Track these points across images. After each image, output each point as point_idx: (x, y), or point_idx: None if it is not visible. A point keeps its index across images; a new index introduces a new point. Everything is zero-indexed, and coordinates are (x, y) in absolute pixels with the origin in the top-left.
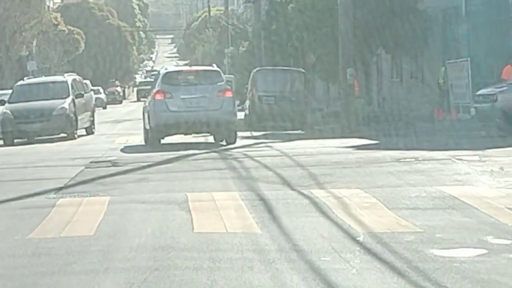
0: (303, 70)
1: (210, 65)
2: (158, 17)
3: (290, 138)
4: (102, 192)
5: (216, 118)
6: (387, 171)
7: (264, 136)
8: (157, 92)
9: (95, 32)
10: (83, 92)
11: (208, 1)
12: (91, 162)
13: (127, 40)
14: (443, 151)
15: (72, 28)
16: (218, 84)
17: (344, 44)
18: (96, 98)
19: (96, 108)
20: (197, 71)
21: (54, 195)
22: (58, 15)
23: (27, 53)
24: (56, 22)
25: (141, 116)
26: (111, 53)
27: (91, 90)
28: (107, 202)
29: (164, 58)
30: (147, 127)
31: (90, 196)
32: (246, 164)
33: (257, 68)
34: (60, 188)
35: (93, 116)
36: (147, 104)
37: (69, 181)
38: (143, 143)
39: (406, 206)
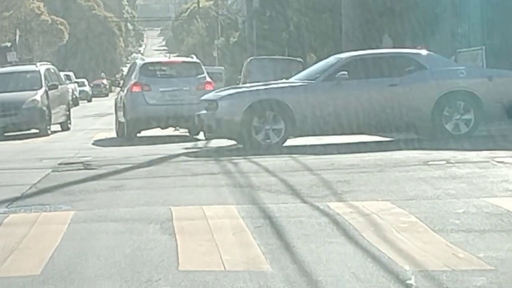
0: (300, 59)
1: (190, 56)
2: (147, 10)
3: None
4: (65, 205)
5: (196, 112)
6: (417, 177)
7: None
8: (135, 84)
9: (80, 22)
10: (57, 83)
11: None
12: (60, 164)
13: (113, 31)
14: (476, 151)
15: (55, 18)
16: (199, 76)
17: (347, 31)
18: (81, 91)
19: (81, 101)
20: (176, 62)
21: (6, 209)
22: (41, 4)
23: (9, 44)
24: (38, 12)
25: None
26: (97, 44)
27: (75, 82)
28: (69, 220)
29: (153, 51)
30: (122, 120)
31: (50, 210)
32: (244, 167)
33: (251, 57)
34: (16, 199)
35: (69, 110)
36: (122, 96)
37: (29, 188)
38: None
39: (456, 227)
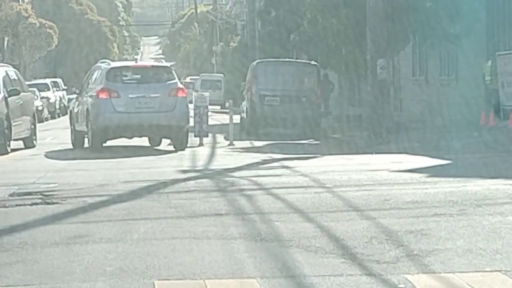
0: (315, 63)
1: (159, 60)
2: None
3: (305, 151)
4: None
5: (168, 121)
6: None
7: (270, 148)
8: (102, 90)
9: (71, 27)
10: (19, 88)
11: None
12: (12, 194)
13: (106, 37)
14: None
15: (43, 21)
16: (170, 82)
17: (374, 27)
18: (70, 99)
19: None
20: (145, 67)
21: None
22: (29, 6)
23: None
24: (26, 14)
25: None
26: (89, 50)
27: (64, 89)
28: None
29: (149, 59)
30: (81, 129)
31: None
32: (261, 203)
33: (258, 60)
34: None
35: (34, 123)
36: (87, 102)
37: None
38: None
39: None
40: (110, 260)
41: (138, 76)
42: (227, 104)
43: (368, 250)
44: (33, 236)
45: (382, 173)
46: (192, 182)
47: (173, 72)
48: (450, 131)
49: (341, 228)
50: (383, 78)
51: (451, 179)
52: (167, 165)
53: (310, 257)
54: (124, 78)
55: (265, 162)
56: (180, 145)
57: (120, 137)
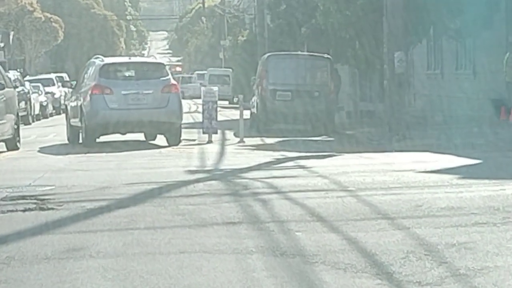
0: (328, 56)
1: (152, 56)
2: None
3: (320, 149)
4: None
5: (161, 117)
6: None
7: (282, 145)
8: (95, 86)
9: (77, 21)
10: (2, 83)
11: None
12: (3, 198)
13: (113, 31)
14: None
15: (49, 16)
16: (163, 78)
17: (392, 18)
18: None
19: None
20: (139, 63)
21: None
22: (34, 0)
23: (2, 44)
24: (31, 8)
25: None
26: (95, 44)
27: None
28: None
29: (157, 54)
30: (76, 124)
31: None
32: (278, 209)
33: (269, 53)
34: None
35: (17, 122)
36: (80, 98)
37: None
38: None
39: None
40: (107, 281)
41: (131, 73)
42: (235, 99)
43: (406, 268)
44: (22, 249)
45: (408, 174)
46: (201, 185)
47: (167, 68)
48: (469, 127)
49: (372, 240)
50: (401, 72)
51: (486, 181)
52: (174, 164)
53: (339, 276)
54: (118, 74)
55: (278, 161)
56: (173, 140)
57: (113, 133)
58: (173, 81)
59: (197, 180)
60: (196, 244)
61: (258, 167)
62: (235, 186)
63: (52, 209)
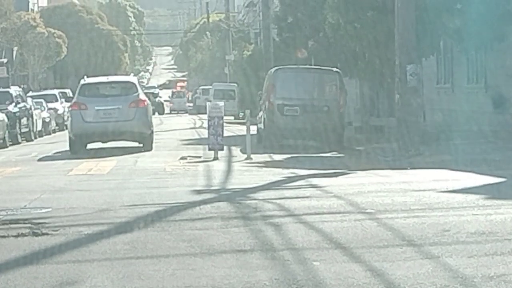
0: (337, 70)
1: (128, 75)
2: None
3: (331, 166)
4: None
5: (128, 128)
6: None
7: (291, 162)
8: (74, 103)
9: (81, 36)
10: None
11: (207, 5)
12: None
13: (117, 47)
14: None
15: (52, 31)
16: (132, 95)
17: (404, 30)
18: None
19: None
20: (112, 82)
21: None
22: (37, 15)
23: (6, 60)
24: (34, 24)
25: None
26: (100, 60)
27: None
28: None
29: (161, 70)
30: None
31: None
32: (292, 234)
33: (276, 67)
34: None
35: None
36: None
37: None
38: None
39: None
40: None
41: (105, 91)
42: (241, 114)
43: None
44: (10, 282)
45: (430, 194)
46: (208, 207)
47: (137, 85)
48: (483, 142)
49: (399, 272)
50: (413, 85)
51: (507, 201)
52: (179, 184)
53: None
54: (94, 92)
55: (289, 179)
56: (146, 147)
57: (93, 142)
58: (141, 97)
59: (204, 201)
60: (203, 276)
61: (268, 186)
62: (244, 208)
63: (47, 234)
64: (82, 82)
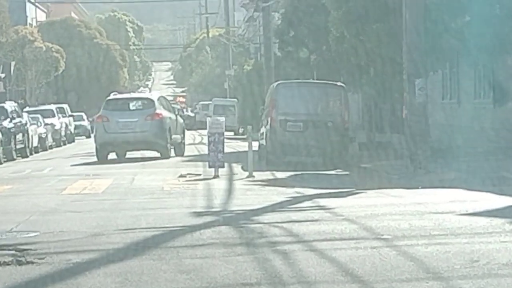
0: (341, 84)
1: (150, 91)
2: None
3: (337, 185)
4: None
5: (144, 138)
6: None
7: (295, 180)
8: (98, 117)
9: (79, 51)
10: None
11: (207, 20)
12: None
13: (116, 61)
14: None
15: (50, 45)
16: (149, 109)
17: (412, 42)
18: (78, 126)
19: (78, 138)
20: (133, 98)
21: None
22: (35, 30)
23: (3, 75)
24: (32, 38)
25: None
26: (98, 75)
27: (71, 116)
28: None
29: (161, 85)
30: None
31: None
32: (303, 264)
33: (279, 82)
34: None
35: None
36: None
37: None
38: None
39: None
40: None
41: (126, 105)
42: (241, 130)
43: None
44: None
45: (450, 218)
46: (209, 232)
47: (155, 101)
48: (493, 159)
49: None
50: (422, 100)
51: None
52: (177, 204)
53: None
54: (117, 107)
55: (295, 200)
56: (163, 155)
57: (115, 150)
58: (157, 111)
59: (204, 225)
60: None
61: (273, 208)
62: (248, 233)
63: (32, 263)
64: (107, 98)
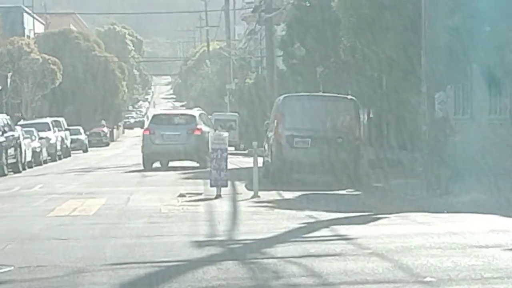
0: (352, 97)
1: (194, 108)
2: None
3: (351, 207)
4: None
5: (185, 150)
6: None
7: (304, 201)
8: (146, 129)
9: (77, 63)
10: None
11: (207, 33)
12: None
13: (115, 74)
14: None
15: (47, 57)
16: (190, 125)
17: (432, 52)
18: (74, 140)
19: (75, 152)
20: (177, 114)
21: None
22: (32, 41)
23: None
24: (28, 50)
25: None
26: (96, 88)
27: (67, 129)
28: None
29: (161, 99)
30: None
31: None
32: None
33: (285, 95)
34: None
35: None
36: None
37: None
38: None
39: None
40: None
41: (170, 120)
42: (242, 145)
43: None
44: None
45: (499, 254)
46: (213, 269)
47: (197, 117)
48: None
49: None
50: (442, 116)
51: None
52: (176, 231)
53: None
54: (162, 121)
55: (309, 227)
56: (201, 164)
57: (158, 160)
58: (198, 126)
59: (208, 260)
60: None
61: (285, 237)
62: (261, 271)
63: None
64: (154, 113)
